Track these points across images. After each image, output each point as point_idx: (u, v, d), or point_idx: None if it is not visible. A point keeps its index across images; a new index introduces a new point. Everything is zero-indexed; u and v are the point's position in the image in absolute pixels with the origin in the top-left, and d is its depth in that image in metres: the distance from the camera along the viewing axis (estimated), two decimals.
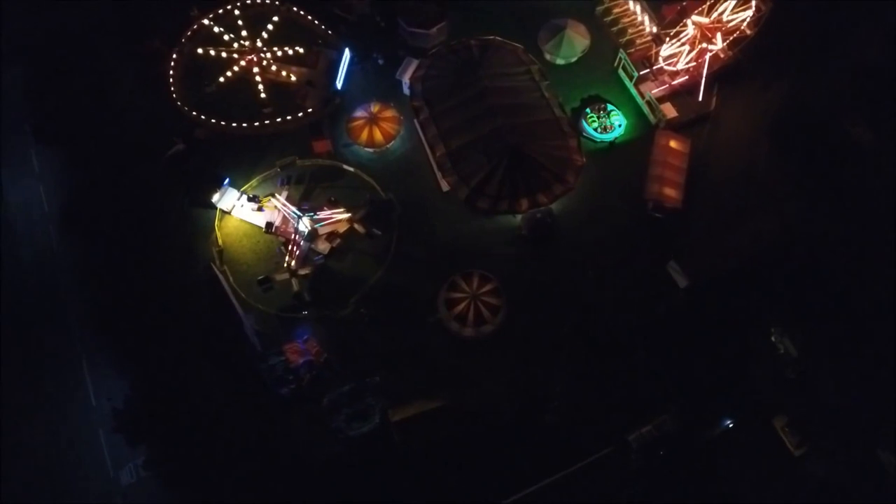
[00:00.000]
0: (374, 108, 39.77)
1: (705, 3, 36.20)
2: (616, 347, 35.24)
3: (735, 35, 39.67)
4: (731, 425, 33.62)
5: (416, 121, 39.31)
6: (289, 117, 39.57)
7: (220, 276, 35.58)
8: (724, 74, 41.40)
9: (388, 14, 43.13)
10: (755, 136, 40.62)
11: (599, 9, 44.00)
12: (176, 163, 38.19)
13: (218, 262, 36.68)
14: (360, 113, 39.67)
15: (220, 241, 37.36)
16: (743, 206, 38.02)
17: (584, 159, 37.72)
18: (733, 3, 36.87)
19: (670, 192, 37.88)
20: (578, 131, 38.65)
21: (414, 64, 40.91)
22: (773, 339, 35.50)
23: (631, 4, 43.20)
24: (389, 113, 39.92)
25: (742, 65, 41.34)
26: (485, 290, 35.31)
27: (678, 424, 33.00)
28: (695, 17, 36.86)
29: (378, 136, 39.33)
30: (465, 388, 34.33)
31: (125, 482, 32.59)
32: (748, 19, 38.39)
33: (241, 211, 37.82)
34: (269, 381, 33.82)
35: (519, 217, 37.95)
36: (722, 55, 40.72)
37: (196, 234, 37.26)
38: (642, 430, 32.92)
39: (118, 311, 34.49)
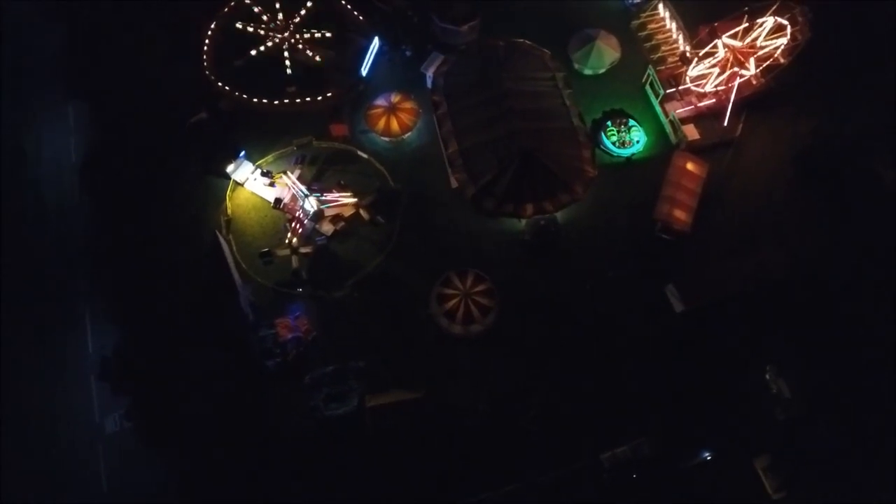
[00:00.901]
0: (395, 98, 40.17)
1: (738, 25, 35.30)
2: (603, 364, 34.77)
3: (768, 62, 38.63)
4: (709, 458, 32.83)
5: (434, 115, 39.52)
6: (311, 98, 40.23)
7: (224, 245, 36.51)
8: (754, 102, 40.39)
9: (423, 8, 43.47)
10: (778, 166, 39.58)
11: (635, 23, 43.51)
12: (197, 130, 39.30)
13: (224, 231, 37.66)
14: (380, 101, 40.13)
15: (229, 211, 38.35)
16: (753, 236, 37.04)
17: (597, 171, 37.29)
18: (768, 28, 35.88)
19: (680, 214, 37.18)
20: (594, 143, 38.21)
21: (440, 59, 41.16)
22: (767, 376, 34.53)
23: (667, 21, 42.60)
24: (409, 104, 40.26)
25: (773, 94, 40.27)
26: (478, 289, 35.34)
27: (654, 449, 32.39)
28: (726, 40, 36.02)
29: (395, 125, 39.73)
30: (446, 384, 34.44)
31: (109, 430, 33.83)
32: (783, 47, 37.37)
33: (253, 184, 38.71)
34: (256, 351, 34.55)
35: (523, 222, 37.81)
36: (754, 81, 39.78)
37: (207, 201, 38.31)
38: (617, 450, 32.42)
39: (123, 265, 35.73)
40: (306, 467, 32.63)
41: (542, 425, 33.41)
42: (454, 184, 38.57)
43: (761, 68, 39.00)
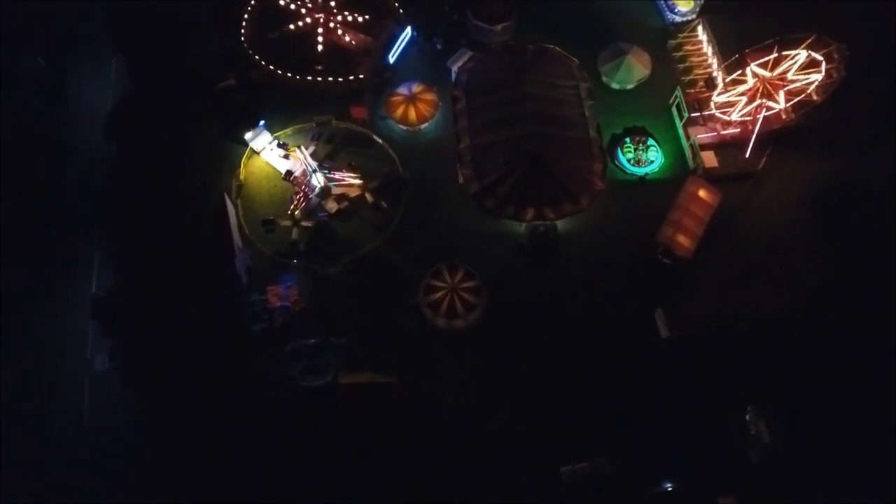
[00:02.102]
0: (417, 88, 40.70)
1: (770, 54, 34.27)
2: (580, 378, 34.45)
3: (801, 98, 37.41)
4: (670, 489, 32.13)
5: (452, 109, 39.79)
6: (336, 79, 41.08)
7: (230, 208, 37.72)
8: (781, 137, 39.19)
9: (460, 4, 43.79)
10: (795, 207, 38.32)
11: (672, 42, 42.81)
12: (224, 96, 40.70)
13: (234, 195, 38.91)
14: (401, 89, 40.72)
15: (242, 177, 39.59)
16: (755, 273, 36.00)
17: (605, 186, 36.91)
18: (800, 62, 34.75)
19: (684, 240, 36.43)
20: (606, 157, 37.77)
21: (467, 55, 41.45)
22: (747, 416, 33.54)
23: (704, 45, 41.73)
24: (429, 96, 40.71)
25: (802, 131, 38.99)
26: (465, 285, 35.50)
27: (615, 471, 31.90)
28: (755, 68, 35.04)
29: (412, 115, 40.25)
30: (420, 373, 34.71)
31: (97, 368, 35.42)
32: (816, 83, 36.13)
33: (269, 154, 39.86)
34: (244, 314, 35.62)
35: (523, 226, 37.74)
36: (784, 116, 38.60)
37: (223, 164, 39.66)
38: (577, 465, 32.07)
39: (133, 213, 37.26)
40: (274, 430, 33.42)
41: (507, 429, 33.27)
42: (461, 179, 38.82)
43: (792, 103, 37.82)
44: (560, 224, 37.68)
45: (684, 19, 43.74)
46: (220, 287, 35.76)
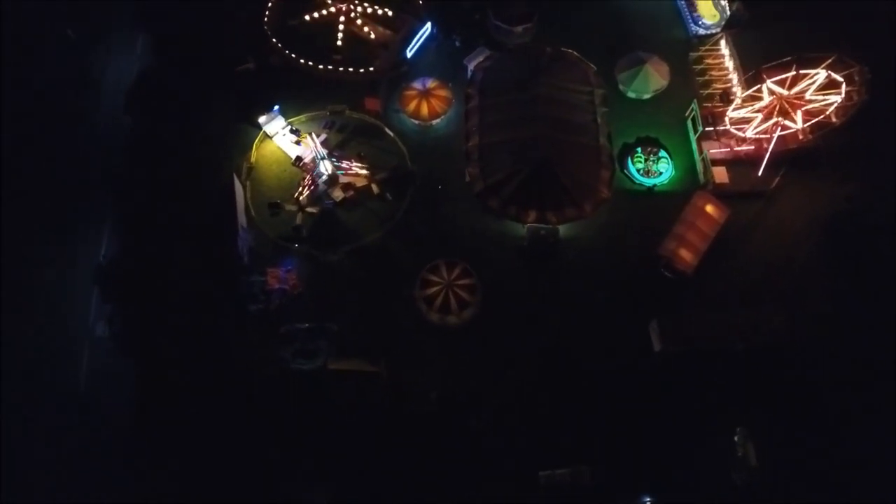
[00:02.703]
0: (431, 83, 40.90)
1: (787, 72, 33.57)
2: (568, 384, 34.24)
3: (819, 119, 36.61)
4: None
5: (464, 107, 39.88)
6: (353, 70, 41.49)
7: (238, 189, 38.37)
8: (797, 158, 38.39)
9: (481, 4, 43.88)
10: (806, 229, 37.56)
11: (693, 55, 42.29)
12: (243, 78, 41.41)
13: (244, 177, 39.56)
14: (416, 84, 40.96)
15: (253, 159, 40.24)
16: (757, 294, 35.36)
17: (610, 194, 36.65)
18: (819, 82, 34.01)
19: (686, 254, 35.96)
20: (615, 165, 37.46)
21: (484, 54, 41.58)
22: (735, 438, 32.95)
23: (726, 59, 41.12)
24: (443, 92, 40.87)
25: (818, 153, 38.17)
26: (461, 283, 35.53)
27: (594, 481, 31.63)
28: (772, 85, 34.39)
29: (424, 110, 40.45)
30: (409, 366, 34.86)
31: (98, 334, 36.36)
32: (836, 105, 35.33)
33: (281, 139, 40.43)
34: (243, 293, 36.20)
35: (525, 228, 37.64)
36: (801, 136, 37.81)
37: (235, 145, 40.33)
38: (557, 470, 31.89)
39: (144, 185, 38.04)
40: (260, 409, 33.89)
41: (488, 428, 33.23)
42: (468, 178, 38.82)
43: (810, 124, 37.01)
44: (562, 229, 37.50)
45: (708, 32, 43.19)
46: (221, 265, 36.32)
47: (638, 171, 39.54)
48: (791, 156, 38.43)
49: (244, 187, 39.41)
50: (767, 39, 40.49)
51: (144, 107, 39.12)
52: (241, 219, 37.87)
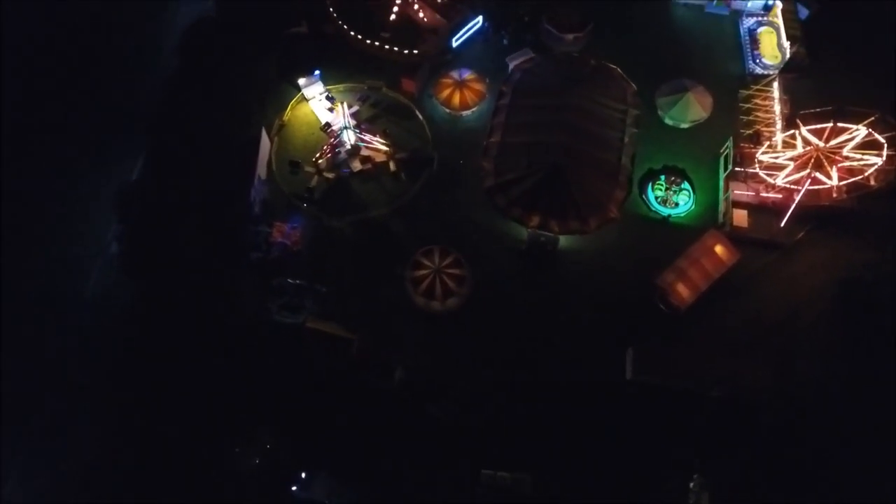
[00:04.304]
0: (469, 75, 41.34)
1: (826, 121, 31.97)
2: (534, 392, 34.00)
3: (857, 179, 34.68)
4: None
5: (496, 103, 40.08)
6: (399, 49, 42.40)
7: (265, 142, 40.07)
8: (826, 215, 36.48)
9: (537, 7, 43.87)
10: (820, 291, 35.64)
11: (743, 92, 40.83)
12: (292, 40, 43.09)
13: (273, 132, 41.25)
14: (453, 73, 41.53)
15: (286, 117, 41.89)
16: (748, 345, 33.93)
17: (619, 215, 36.02)
18: (859, 138, 32.22)
19: (683, 289, 34.91)
20: (631, 187, 36.71)
21: (527, 56, 41.67)
22: (691, 484, 31.79)
23: (775, 102, 39.48)
24: (477, 85, 41.24)
25: (852, 215, 36.15)
26: (450, 271, 35.85)
27: (535, 492, 31.30)
28: (807, 133, 32.83)
29: (456, 100, 40.96)
30: (382, 341, 35.45)
31: (112, 251, 38.89)
32: (876, 167, 33.40)
33: (316, 103, 41.91)
34: (246, 239, 37.84)
35: (526, 231, 37.52)
36: (835, 194, 35.92)
37: (273, 101, 42.09)
38: (500, 472, 31.75)
39: (178, 121, 40.09)
40: (236, 347, 35.28)
41: (447, 416, 33.41)
42: (483, 173, 39.01)
43: (846, 182, 35.10)
44: (564, 240, 37.15)
45: (764, 72, 41.61)
46: (233, 209, 38.02)
47: (656, 198, 38.64)
48: (821, 212, 36.58)
49: (272, 142, 41.08)
50: (824, 90, 38.74)
51: (195, 51, 41.30)
52: (262, 170, 39.57)
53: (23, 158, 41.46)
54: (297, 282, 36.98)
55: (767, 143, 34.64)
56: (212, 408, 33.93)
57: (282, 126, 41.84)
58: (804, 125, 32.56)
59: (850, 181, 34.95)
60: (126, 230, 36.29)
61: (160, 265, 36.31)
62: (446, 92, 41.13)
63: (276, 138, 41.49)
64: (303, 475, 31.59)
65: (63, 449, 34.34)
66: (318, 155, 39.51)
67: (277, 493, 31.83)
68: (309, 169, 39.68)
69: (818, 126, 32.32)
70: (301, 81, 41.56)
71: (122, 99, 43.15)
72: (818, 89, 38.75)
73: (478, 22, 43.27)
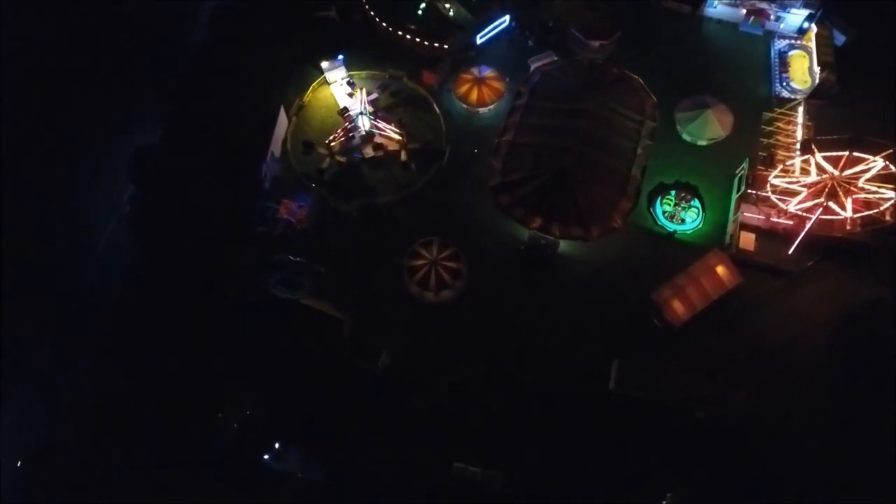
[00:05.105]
0: (488, 73, 41.41)
1: (842, 149, 31.12)
2: (515, 392, 33.98)
3: (872, 212, 33.68)
4: None
5: (513, 102, 40.08)
6: (424, 42, 42.72)
7: (283, 121, 40.89)
8: (837, 247, 35.50)
9: (569, 12, 43.70)
10: (822, 323, 34.74)
11: (767, 115, 39.93)
12: (320, 24, 43.82)
13: (292, 112, 42.04)
14: (473, 70, 41.62)
15: (306, 98, 42.64)
16: (738, 370, 33.27)
17: (623, 225, 35.73)
18: (875, 171, 31.30)
19: (679, 306, 34.43)
20: (637, 199, 36.30)
21: (549, 58, 41.57)
22: (663, 502, 31.37)
23: (798, 128, 38.53)
24: (496, 84, 41.30)
25: (865, 249, 35.08)
26: (447, 264, 36.02)
27: (504, 490, 31.28)
28: (822, 160, 32.03)
29: (473, 96, 41.08)
30: (373, 326, 35.87)
31: (126, 210, 40.21)
32: (893, 202, 32.39)
33: (337, 87, 42.48)
34: (253, 213, 38.70)
35: (528, 233, 37.47)
36: (849, 226, 34.96)
37: (295, 82, 42.84)
38: (472, 468, 31.82)
39: (198, 90, 41.24)
40: (230, 315, 36.15)
41: (425, 406, 33.63)
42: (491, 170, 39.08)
43: (861, 215, 34.11)
44: (565, 245, 37.01)
45: (791, 96, 40.68)
46: (244, 183, 38.90)
47: (664, 212, 38.16)
48: (832, 244, 35.61)
49: (290, 121, 41.86)
50: (850, 120, 37.52)
51: (224, 27, 42.42)
52: (276, 148, 40.38)
53: (56, 115, 43.10)
54: (298, 259, 37.60)
55: (781, 166, 33.74)
56: (200, 370, 34.79)
57: (301, 107, 42.58)
58: (819, 151, 31.76)
59: (864, 214, 33.96)
60: (139, 192, 37.41)
61: (168, 228, 37.43)
62: (465, 87, 41.30)
63: (294, 118, 42.25)
64: (276, 445, 32.15)
65: (62, 384, 35.61)
66: (331, 138, 40.10)
67: (249, 460, 32.45)
68: (322, 151, 40.30)
69: (834, 154, 31.50)
70: (324, 65, 42.16)
71: (151, 68, 44.41)
72: (844, 119, 37.69)
73: (504, 21, 43.31)
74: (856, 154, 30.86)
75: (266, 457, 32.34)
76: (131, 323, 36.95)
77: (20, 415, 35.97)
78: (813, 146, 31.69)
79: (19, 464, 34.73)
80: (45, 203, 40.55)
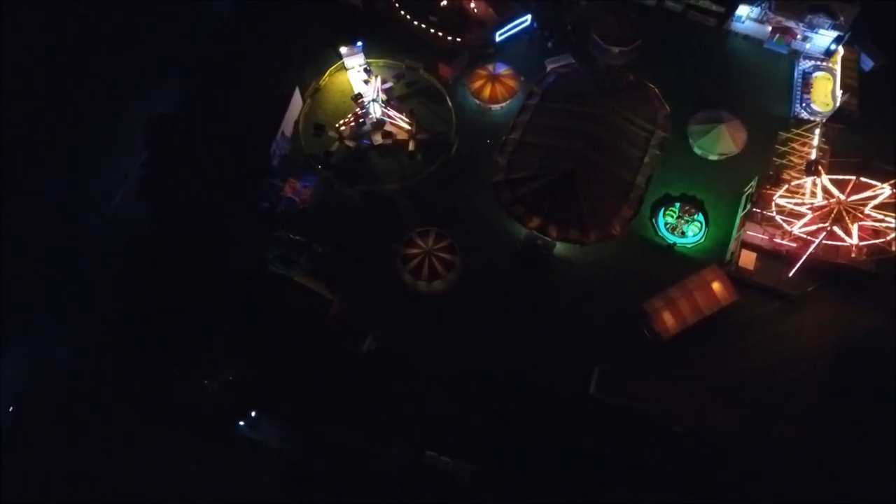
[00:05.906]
0: (504, 70, 41.44)
1: (849, 173, 30.38)
2: (497, 387, 33.95)
3: (878, 241, 32.78)
4: None
5: (524, 101, 40.09)
6: (443, 34, 42.96)
7: (297, 101, 41.54)
8: (840, 275, 34.62)
9: (591, 17, 43.46)
10: (817, 351, 33.93)
11: (783, 135, 39.09)
12: (342, 10, 44.39)
13: (308, 94, 42.68)
14: (488, 66, 41.71)
15: (322, 82, 43.24)
16: (724, 390, 32.68)
17: (622, 232, 35.50)
18: (882, 198, 30.47)
19: (669, 318, 34.01)
20: (639, 207, 36.00)
21: (566, 61, 41.47)
22: None
23: (813, 150, 37.64)
24: (510, 82, 41.31)
25: (870, 279, 34.14)
26: (441, 255, 36.17)
27: (473, 483, 31.29)
28: (827, 182, 31.32)
29: (486, 92, 41.17)
30: (362, 309, 36.19)
31: (137, 177, 41.28)
32: None
33: (354, 73, 43.01)
34: (260, 190, 39.42)
35: (524, 232, 37.40)
36: (854, 254, 34.08)
37: (313, 65, 43.46)
38: (443, 457, 31.91)
39: (215, 65, 42.11)
40: (225, 285, 36.95)
41: (410, 394, 33.78)
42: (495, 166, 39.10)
43: (867, 244, 33.22)
44: (561, 247, 36.85)
45: (810, 118, 39.78)
46: (253, 159, 39.65)
47: (665, 224, 37.69)
48: (835, 270, 34.75)
49: (304, 103, 42.49)
50: (867, 147, 36.54)
51: (248, 6, 43.24)
52: (288, 127, 41.04)
53: (81, 81, 44.37)
54: (297, 237, 38.20)
55: (786, 186, 33.06)
56: (192, 334, 35.58)
57: (317, 89, 43.19)
58: (826, 173, 31.06)
59: (871, 242, 33.07)
60: (152, 158, 38.42)
61: (176, 195, 38.38)
62: (478, 83, 41.40)
63: (308, 100, 42.86)
64: (252, 414, 32.67)
65: (60, 335, 36.70)
66: (342, 122, 40.59)
67: (227, 427, 33.05)
68: (332, 134, 40.80)
69: (840, 178, 30.78)
70: (343, 50, 42.65)
71: (173, 41, 45.26)
72: (860, 145, 36.81)
73: (525, 20, 43.28)
74: (863, 179, 30.08)
75: (241, 423, 32.88)
76: (132, 283, 37.89)
77: (19, 368, 37.14)
78: (819, 168, 30.97)
79: (10, 409, 35.94)
80: (59, 164, 41.79)
